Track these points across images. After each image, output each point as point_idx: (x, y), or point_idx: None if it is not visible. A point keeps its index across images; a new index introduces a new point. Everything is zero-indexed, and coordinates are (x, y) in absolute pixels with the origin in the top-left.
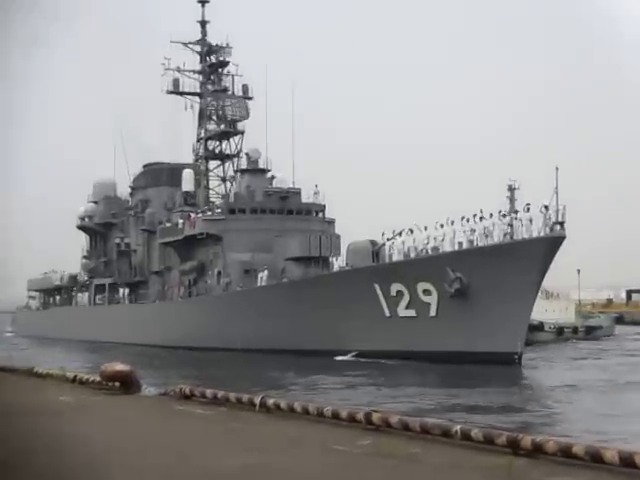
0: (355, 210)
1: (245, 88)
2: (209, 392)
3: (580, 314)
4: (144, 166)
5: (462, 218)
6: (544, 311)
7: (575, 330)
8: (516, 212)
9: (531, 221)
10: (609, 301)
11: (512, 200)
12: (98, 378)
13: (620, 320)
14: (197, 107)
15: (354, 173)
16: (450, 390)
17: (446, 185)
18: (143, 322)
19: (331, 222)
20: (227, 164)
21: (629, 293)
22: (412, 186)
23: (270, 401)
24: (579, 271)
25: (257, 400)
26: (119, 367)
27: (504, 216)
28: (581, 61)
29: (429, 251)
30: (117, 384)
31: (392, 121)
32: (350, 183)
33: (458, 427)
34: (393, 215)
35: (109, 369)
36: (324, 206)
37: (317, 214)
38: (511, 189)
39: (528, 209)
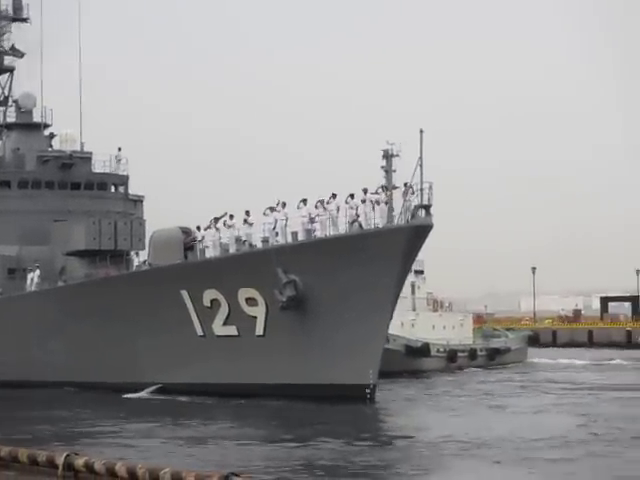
0: (168, 184)
1: (17, 4)
2: None
3: (481, 332)
4: None
5: (301, 200)
6: (431, 328)
7: (473, 354)
8: (376, 191)
9: (377, 203)
10: (577, 313)
11: (389, 172)
12: None
13: (534, 340)
14: None
15: (170, 135)
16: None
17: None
18: None
19: (137, 201)
20: None
21: (604, 301)
22: (258, 155)
23: (79, 461)
24: (534, 270)
25: (60, 459)
26: None
27: (352, 196)
28: None
29: (256, 244)
30: None
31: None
32: (163, 146)
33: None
34: (220, 193)
35: None
36: (127, 178)
37: (117, 189)
38: (388, 156)
39: (385, 189)
